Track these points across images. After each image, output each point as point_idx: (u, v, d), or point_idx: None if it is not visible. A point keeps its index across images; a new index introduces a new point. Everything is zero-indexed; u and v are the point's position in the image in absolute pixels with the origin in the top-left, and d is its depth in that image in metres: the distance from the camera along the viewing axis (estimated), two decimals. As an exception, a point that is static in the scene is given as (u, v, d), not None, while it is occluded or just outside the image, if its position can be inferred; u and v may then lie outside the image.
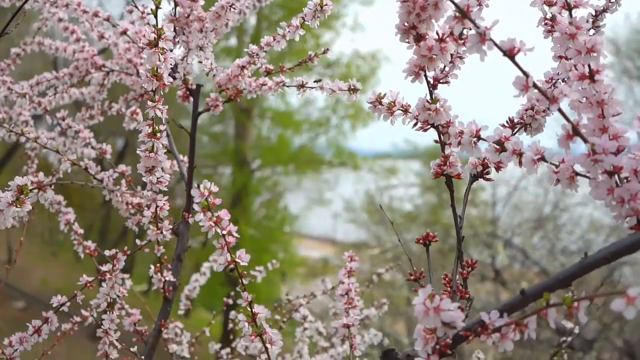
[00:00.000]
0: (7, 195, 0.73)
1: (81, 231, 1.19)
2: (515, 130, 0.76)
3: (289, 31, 0.98)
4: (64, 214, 1.20)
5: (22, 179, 0.72)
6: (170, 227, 0.99)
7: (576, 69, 0.61)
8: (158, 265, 1.05)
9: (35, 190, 0.73)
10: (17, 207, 0.73)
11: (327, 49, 1.11)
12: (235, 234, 0.69)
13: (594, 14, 0.79)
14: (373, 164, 11.50)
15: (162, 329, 1.08)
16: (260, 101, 11.44)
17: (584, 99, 0.61)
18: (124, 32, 1.15)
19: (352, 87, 0.94)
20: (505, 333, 0.56)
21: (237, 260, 0.70)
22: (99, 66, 1.29)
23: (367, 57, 10.78)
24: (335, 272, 1.82)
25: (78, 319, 1.22)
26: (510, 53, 0.56)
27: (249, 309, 0.72)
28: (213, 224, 0.68)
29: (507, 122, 0.76)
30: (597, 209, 7.52)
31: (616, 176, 0.58)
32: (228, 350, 1.46)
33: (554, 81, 0.76)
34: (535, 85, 0.56)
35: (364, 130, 11.56)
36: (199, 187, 0.67)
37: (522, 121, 0.76)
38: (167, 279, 1.05)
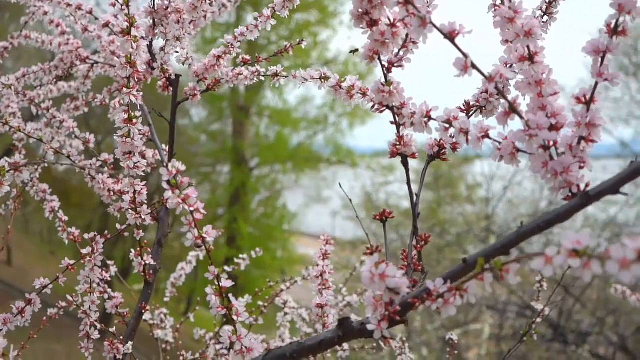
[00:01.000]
0: (-14, 177, 0.77)
1: (66, 218, 1.23)
2: (471, 112, 0.80)
3: (261, 21, 1.02)
4: (49, 202, 1.24)
5: None
6: (149, 211, 1.03)
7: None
8: (138, 249, 1.08)
9: (12, 172, 0.77)
10: (-4, 188, 0.77)
11: (302, 40, 1.15)
12: (203, 211, 0.73)
13: (547, 1, 0.82)
14: (371, 161, 11.54)
15: (143, 311, 1.11)
16: (258, 99, 11.49)
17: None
18: (106, 25, 1.18)
19: (323, 75, 0.97)
20: (447, 298, 0.60)
21: (204, 235, 0.73)
22: (83, 58, 1.32)
23: (364, 55, 10.78)
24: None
25: (63, 303, 1.26)
26: (450, 35, 0.60)
27: (217, 283, 0.75)
28: (181, 201, 0.72)
29: (463, 105, 0.80)
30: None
31: (554, 151, 0.62)
32: (211, 334, 1.50)
33: (508, 65, 0.79)
34: (473, 66, 0.59)
35: (362, 128, 11.60)
36: (167, 166, 0.71)
37: (477, 104, 0.79)
38: (147, 262, 1.09)
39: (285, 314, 1.47)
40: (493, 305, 6.67)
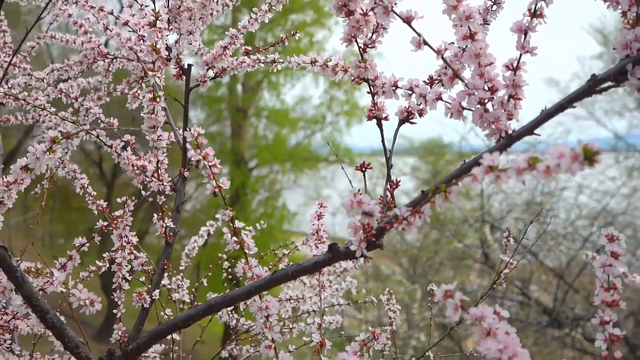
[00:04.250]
0: (42, 145, 0.95)
1: (94, 193, 1.41)
2: (434, 84, 0.98)
3: (260, 15, 1.21)
4: (79, 180, 1.42)
5: (53, 132, 0.94)
6: (170, 179, 1.22)
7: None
8: (160, 213, 1.27)
9: (64, 140, 0.95)
10: (50, 154, 0.95)
11: (296, 31, 1.34)
12: (219, 166, 0.92)
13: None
14: (369, 160, 11.72)
15: (165, 267, 1.30)
16: (256, 100, 11.68)
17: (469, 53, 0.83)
18: (126, 23, 1.37)
19: (313, 60, 1.16)
20: (410, 220, 0.78)
21: (220, 185, 0.92)
22: (104, 54, 1.51)
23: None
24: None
25: (93, 267, 1.44)
26: (408, 20, 0.78)
27: (231, 224, 0.94)
28: (202, 158, 0.91)
29: (427, 78, 0.98)
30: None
31: (490, 107, 0.81)
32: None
33: (462, 48, 0.98)
34: (425, 42, 0.78)
35: (359, 127, 11.79)
36: (190, 129, 0.90)
37: (439, 78, 0.98)
38: (168, 225, 1.27)
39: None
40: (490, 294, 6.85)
